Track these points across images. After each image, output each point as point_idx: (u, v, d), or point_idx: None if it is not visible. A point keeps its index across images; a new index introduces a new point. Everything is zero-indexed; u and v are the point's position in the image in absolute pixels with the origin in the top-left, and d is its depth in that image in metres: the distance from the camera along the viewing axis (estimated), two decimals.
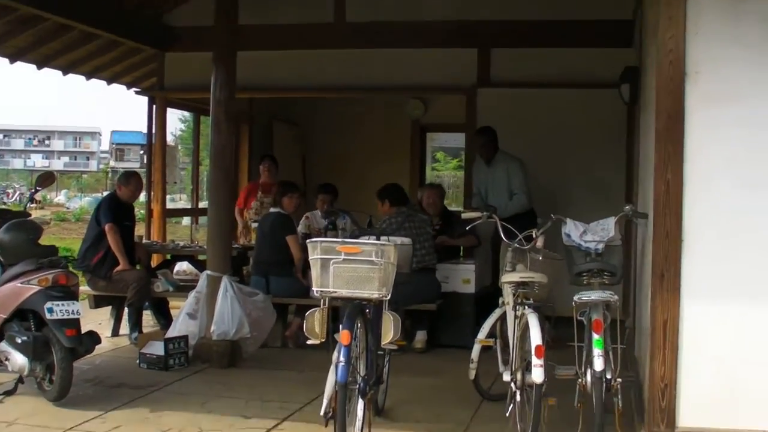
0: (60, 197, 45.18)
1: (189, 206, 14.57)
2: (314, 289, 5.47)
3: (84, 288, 9.02)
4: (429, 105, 14.23)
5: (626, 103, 8.64)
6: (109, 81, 12.47)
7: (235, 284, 7.78)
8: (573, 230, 6.24)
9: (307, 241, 5.50)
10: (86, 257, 8.91)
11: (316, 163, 14.41)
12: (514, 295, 5.93)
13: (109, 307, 9.28)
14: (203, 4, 10.89)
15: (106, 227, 8.78)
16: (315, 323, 5.36)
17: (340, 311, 5.53)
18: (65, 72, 11.46)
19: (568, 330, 5.72)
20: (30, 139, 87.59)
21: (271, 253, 8.64)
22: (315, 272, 5.37)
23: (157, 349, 7.59)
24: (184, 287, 8.96)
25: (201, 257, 9.46)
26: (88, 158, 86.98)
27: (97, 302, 9.18)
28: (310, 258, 5.38)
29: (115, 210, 8.93)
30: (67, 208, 37.06)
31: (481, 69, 10.73)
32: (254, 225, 9.56)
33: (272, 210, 8.86)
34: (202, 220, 12.65)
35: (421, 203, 9.77)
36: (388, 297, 5.36)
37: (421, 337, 8.53)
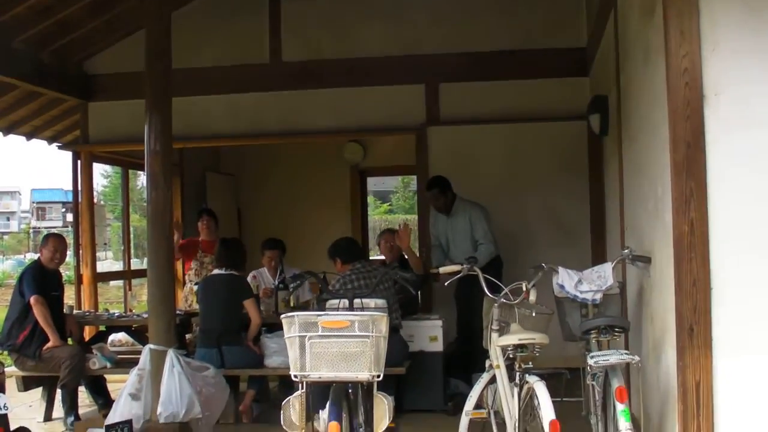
0: None
1: (119, 267, 13.57)
2: (292, 373, 4.64)
3: (10, 369, 8.12)
4: (368, 148, 13.63)
5: (597, 134, 8.00)
6: (29, 136, 11.57)
7: (182, 358, 6.91)
8: (566, 280, 5.57)
9: (282, 316, 4.68)
10: (11, 335, 7.97)
11: (253, 215, 13.65)
12: (511, 359, 5.18)
13: (40, 388, 8.31)
14: (126, 48, 10.28)
15: (32, 300, 7.87)
16: (292, 414, 4.56)
17: (313, 392, 4.74)
18: None
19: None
20: None
21: (223, 321, 7.74)
22: (292, 353, 4.58)
23: None
24: (122, 362, 8.07)
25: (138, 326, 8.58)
26: (8, 218, 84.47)
27: (27, 384, 8.20)
28: (285, 337, 4.58)
29: (40, 279, 8.01)
30: None
31: (429, 106, 10.10)
32: (195, 287, 8.66)
33: (220, 271, 7.94)
34: (135, 281, 11.75)
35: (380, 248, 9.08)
36: (381, 377, 4.57)
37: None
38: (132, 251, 12.38)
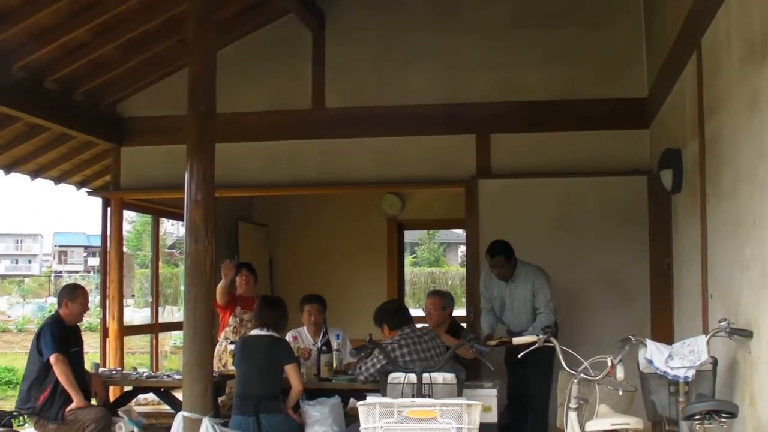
0: (1, 304, 42.96)
1: (142, 316, 13.01)
2: None
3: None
4: (406, 200, 13.07)
5: (668, 191, 7.40)
6: (57, 181, 11.09)
7: (219, 428, 6.32)
8: (656, 354, 4.96)
9: (359, 403, 4.08)
10: (30, 397, 7.40)
11: (286, 268, 13.13)
12: None
13: None
14: (162, 90, 9.83)
15: (52, 359, 7.30)
16: None
17: None
18: (7, 171, 10.10)
19: None
20: None
21: (262, 387, 7.09)
22: None
23: None
24: (150, 428, 7.50)
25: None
26: (30, 261, 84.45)
27: None
28: (363, 427, 3.97)
29: (60, 336, 7.44)
30: (9, 317, 34.95)
31: (480, 157, 9.53)
32: (231, 347, 8.03)
33: (260, 332, 7.32)
34: (162, 336, 11.20)
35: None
36: None
37: None
38: (162, 298, 11.82)
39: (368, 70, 9.82)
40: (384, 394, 5.29)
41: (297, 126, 9.81)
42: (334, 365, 7.75)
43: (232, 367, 7.48)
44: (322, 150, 9.84)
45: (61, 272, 54.86)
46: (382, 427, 3.81)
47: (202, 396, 6.38)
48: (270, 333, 7.21)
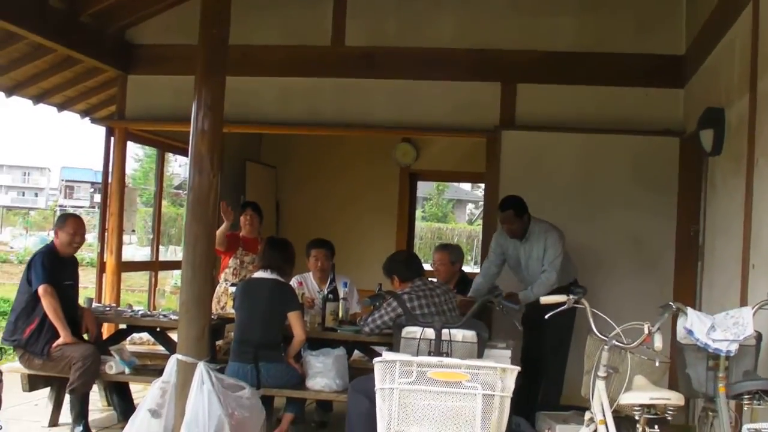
0: (4, 235, 42.68)
1: (144, 254, 12.58)
2: None
3: (15, 365, 7.21)
4: (421, 150, 12.59)
5: (708, 153, 6.92)
6: (60, 107, 10.60)
7: (215, 374, 5.91)
8: (697, 324, 4.54)
9: (376, 360, 3.62)
10: (17, 329, 7.01)
11: (292, 212, 12.74)
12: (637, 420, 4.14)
13: (47, 389, 7.33)
14: (175, 17, 9.34)
15: (40, 290, 6.89)
16: None
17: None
18: (8, 94, 9.62)
19: None
20: None
21: (263, 333, 6.68)
22: (387, 409, 3.49)
23: None
24: (143, 369, 7.12)
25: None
26: (36, 194, 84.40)
27: (33, 384, 7.23)
28: (379, 388, 3.53)
29: (52, 266, 7.02)
30: (11, 248, 34.69)
31: (504, 108, 9.02)
32: (231, 289, 7.61)
33: (264, 274, 6.89)
34: (164, 275, 10.80)
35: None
36: None
37: None
38: (160, 239, 11.41)
39: (391, 8, 9.29)
40: (396, 350, 4.87)
41: (314, 63, 9.28)
42: (340, 314, 7.33)
43: (232, 310, 7.08)
44: (339, 89, 9.36)
45: (65, 207, 54.57)
46: (400, 388, 3.36)
47: (198, 339, 5.95)
48: (274, 276, 6.79)
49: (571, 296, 4.78)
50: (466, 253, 36.90)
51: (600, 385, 4.58)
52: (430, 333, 4.69)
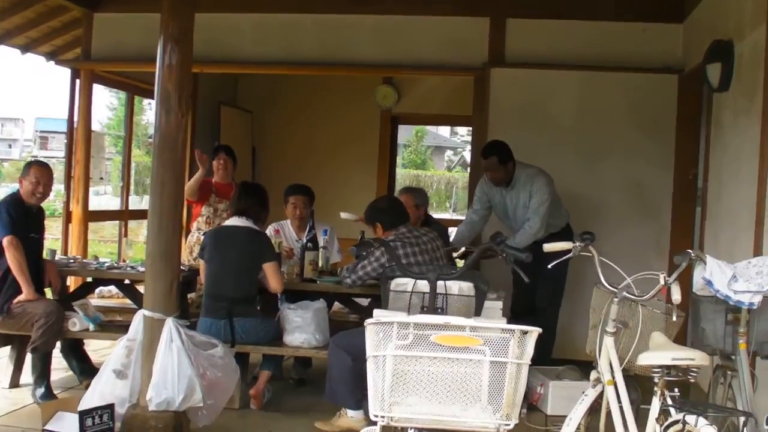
0: None
1: (118, 205, 12.02)
2: (375, 412, 3.09)
3: None
4: (402, 92, 12.04)
5: (714, 88, 6.43)
6: (24, 49, 9.99)
7: (184, 331, 5.42)
8: (717, 274, 4.09)
9: (368, 322, 3.09)
10: None
11: (269, 158, 12.21)
12: (657, 381, 3.69)
13: (8, 348, 6.85)
14: None
15: (5, 241, 6.38)
16: None
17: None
18: None
19: None
20: None
21: (237, 286, 6.18)
22: (378, 378, 3.00)
23: (68, 425, 5.25)
24: (109, 325, 6.64)
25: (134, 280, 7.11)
26: (10, 146, 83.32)
27: None
28: (371, 355, 3.03)
29: (17, 217, 6.49)
30: None
31: (493, 44, 8.51)
32: (203, 238, 7.08)
33: (238, 222, 6.38)
34: (131, 225, 10.27)
35: None
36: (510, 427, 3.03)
37: None
38: (132, 188, 10.86)
39: None
40: (384, 305, 4.38)
41: None
42: (320, 264, 6.85)
43: (202, 259, 6.57)
44: (320, 25, 8.86)
45: (38, 157, 53.76)
46: (394, 355, 2.87)
47: (166, 293, 5.44)
48: (248, 224, 6.28)
49: (577, 243, 4.31)
50: (444, 201, 36.54)
51: (608, 341, 4.14)
52: (421, 285, 4.20)
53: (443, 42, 8.61)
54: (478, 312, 4.44)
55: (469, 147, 45.00)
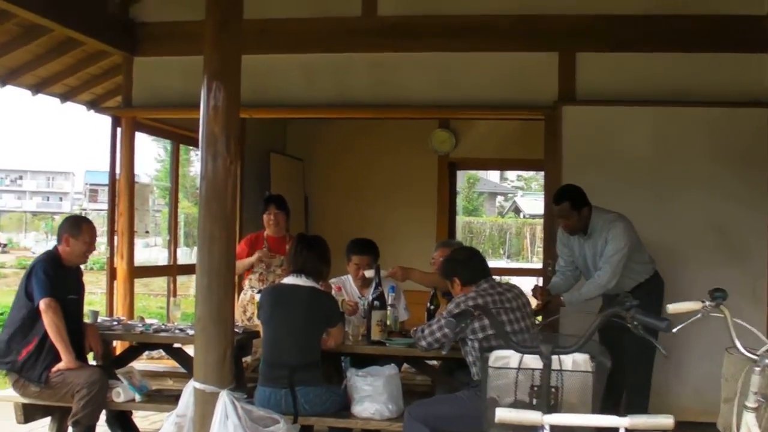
0: (28, 240, 42.09)
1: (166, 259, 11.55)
2: None
3: (8, 392, 6.12)
4: (460, 136, 11.52)
5: None
6: (63, 98, 9.70)
7: (241, 405, 4.82)
8: None
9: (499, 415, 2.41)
10: (11, 350, 5.94)
11: (322, 207, 11.80)
12: None
13: (48, 419, 6.28)
14: None
15: (42, 304, 5.84)
16: None
17: None
18: (2, 83, 8.71)
19: None
20: (1, 179, 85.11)
21: (300, 352, 5.55)
22: None
23: None
24: (156, 395, 6.06)
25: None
26: (61, 199, 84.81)
27: (29, 414, 6.15)
28: None
29: (56, 277, 5.97)
30: (33, 253, 33.99)
31: (563, 80, 7.95)
32: (257, 296, 6.45)
33: (296, 281, 5.75)
34: (181, 279, 9.74)
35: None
36: None
37: None
38: (182, 239, 10.35)
39: None
40: (482, 382, 3.70)
41: (343, 37, 8.25)
42: (389, 324, 6.23)
43: (259, 321, 5.96)
44: (371, 65, 8.33)
45: (88, 211, 54.43)
46: None
47: (219, 363, 4.87)
48: (310, 283, 5.65)
49: (707, 303, 3.65)
50: (498, 247, 35.91)
51: (749, 418, 3.47)
52: (528, 360, 3.52)
53: (506, 79, 8.08)
54: (597, 393, 3.68)
55: (520, 193, 44.74)
